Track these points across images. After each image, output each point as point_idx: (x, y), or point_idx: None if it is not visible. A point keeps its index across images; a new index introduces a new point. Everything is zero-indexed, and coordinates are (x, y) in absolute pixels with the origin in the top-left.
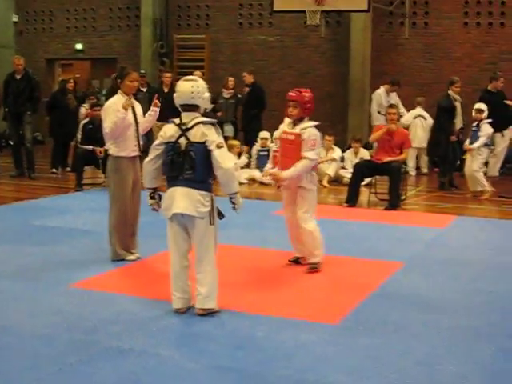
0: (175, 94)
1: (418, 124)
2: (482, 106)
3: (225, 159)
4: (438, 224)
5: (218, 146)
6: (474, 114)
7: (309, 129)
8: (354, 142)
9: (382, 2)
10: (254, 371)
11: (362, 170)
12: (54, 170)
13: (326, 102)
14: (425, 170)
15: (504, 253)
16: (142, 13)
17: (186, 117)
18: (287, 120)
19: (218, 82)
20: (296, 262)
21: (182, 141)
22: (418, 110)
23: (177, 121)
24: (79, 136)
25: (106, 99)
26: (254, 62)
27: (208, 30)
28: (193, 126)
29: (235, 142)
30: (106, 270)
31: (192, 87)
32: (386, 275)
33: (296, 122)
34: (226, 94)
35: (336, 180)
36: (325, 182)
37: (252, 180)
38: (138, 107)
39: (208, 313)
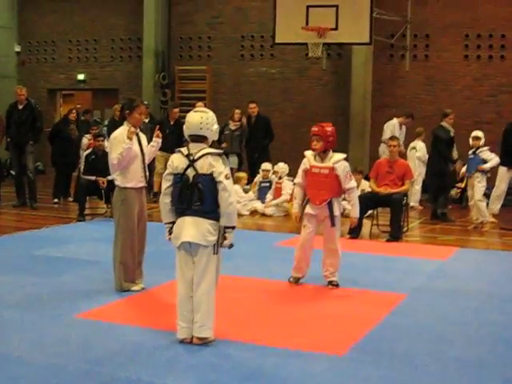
0: (184, 125)
1: (411, 156)
2: (479, 133)
3: (232, 191)
4: (440, 256)
5: (227, 177)
6: (471, 141)
7: (341, 162)
8: (356, 173)
9: (383, 34)
10: None
11: (365, 202)
12: (56, 200)
13: None
14: (413, 204)
15: (507, 284)
16: (144, 44)
17: (193, 147)
18: (309, 153)
19: (219, 113)
20: (297, 282)
21: (190, 172)
22: (415, 142)
23: (184, 151)
24: (82, 166)
25: (108, 130)
26: (256, 93)
27: (209, 62)
28: (200, 157)
29: (242, 174)
30: (110, 301)
31: (201, 118)
32: (391, 307)
33: (321, 155)
34: (232, 125)
35: None
36: None
37: (254, 211)
38: (144, 138)
39: (203, 342)
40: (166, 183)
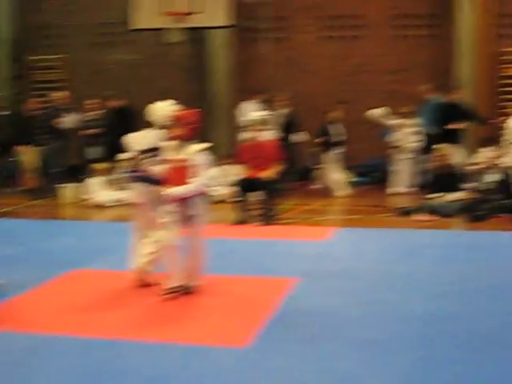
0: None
1: None
2: None
3: None
4: (319, 237)
5: None
6: None
7: (199, 153)
8: (223, 159)
9: (242, 17)
10: None
11: (243, 186)
12: None
13: None
14: None
15: (388, 262)
16: None
17: None
18: (171, 143)
19: (77, 102)
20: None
21: None
22: None
23: None
24: None
25: None
26: (115, 81)
27: (65, 50)
28: None
29: (101, 166)
30: None
31: None
32: (285, 292)
33: (181, 144)
34: (88, 116)
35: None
36: None
37: (118, 202)
38: None
39: None
40: None
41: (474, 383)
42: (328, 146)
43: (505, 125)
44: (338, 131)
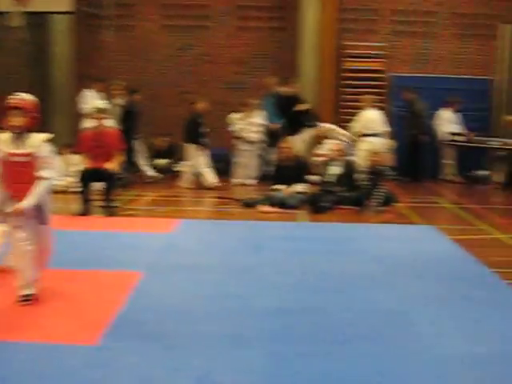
0: None
1: None
2: None
3: None
4: (163, 229)
5: None
6: None
7: (44, 144)
8: (64, 148)
9: (85, 3)
10: None
11: (85, 177)
12: None
13: None
14: None
15: (235, 254)
16: None
17: None
18: (4, 136)
19: None
20: None
21: None
22: None
23: None
24: None
25: None
26: None
27: None
28: None
29: None
30: None
31: None
32: (130, 286)
33: (22, 135)
34: None
35: None
36: None
37: None
38: None
39: None
40: None
41: (327, 376)
42: (196, 136)
43: (356, 117)
44: (204, 122)
